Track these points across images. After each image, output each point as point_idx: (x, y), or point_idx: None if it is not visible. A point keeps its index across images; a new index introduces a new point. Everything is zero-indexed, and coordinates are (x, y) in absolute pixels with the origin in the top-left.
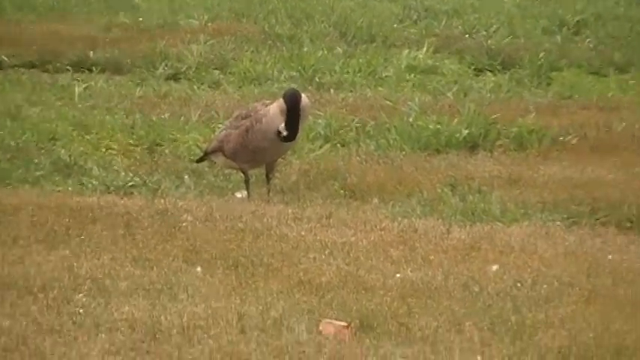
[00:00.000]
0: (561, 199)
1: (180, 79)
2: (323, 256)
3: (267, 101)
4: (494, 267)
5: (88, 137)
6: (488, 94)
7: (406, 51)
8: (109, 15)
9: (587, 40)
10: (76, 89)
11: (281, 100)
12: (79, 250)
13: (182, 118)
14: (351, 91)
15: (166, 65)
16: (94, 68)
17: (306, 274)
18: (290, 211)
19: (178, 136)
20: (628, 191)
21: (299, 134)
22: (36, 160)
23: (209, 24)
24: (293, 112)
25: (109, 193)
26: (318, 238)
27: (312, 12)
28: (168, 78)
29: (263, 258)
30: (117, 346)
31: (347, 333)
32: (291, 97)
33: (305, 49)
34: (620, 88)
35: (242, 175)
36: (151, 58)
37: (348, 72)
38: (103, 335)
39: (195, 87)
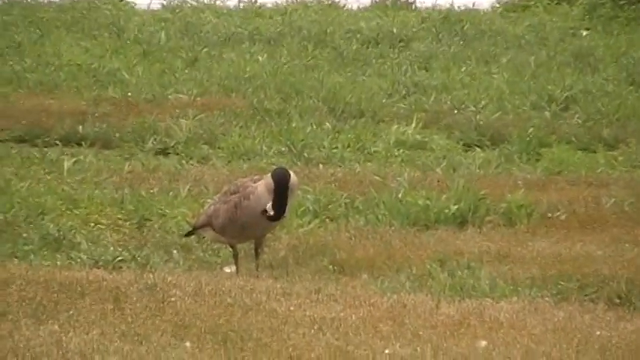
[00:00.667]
0: (550, 274)
1: (169, 153)
2: (312, 332)
3: (256, 177)
4: (484, 343)
5: (76, 212)
6: (477, 170)
7: (395, 126)
8: (97, 89)
9: (576, 116)
10: (65, 164)
11: (269, 178)
12: (67, 324)
13: (171, 193)
14: (340, 166)
15: (155, 140)
16: (83, 143)
17: (295, 349)
18: (279, 286)
19: (167, 211)
20: (617, 267)
21: (287, 212)
22: (25, 235)
23: (198, 99)
24: (281, 192)
25: (97, 267)
26: (307, 313)
27: (301, 87)
28: (157, 153)
29: (252, 333)
30: None
31: None
32: (279, 177)
33: (294, 124)
34: (608, 164)
35: (231, 249)
36: (139, 133)
37: (336, 147)
38: None
39: (184, 162)
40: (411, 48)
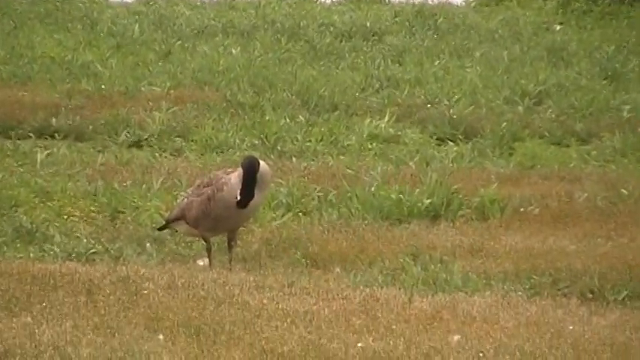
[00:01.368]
0: (523, 269)
1: (142, 146)
2: (285, 325)
3: (229, 169)
4: (456, 337)
5: (50, 204)
6: (451, 164)
7: (368, 120)
8: (71, 82)
9: (549, 110)
10: (38, 156)
11: (240, 169)
12: (40, 317)
13: (144, 185)
14: (313, 160)
15: (128, 132)
16: (56, 135)
17: (268, 342)
18: (252, 279)
19: (140, 203)
20: (589, 262)
21: (257, 202)
22: None
23: (171, 91)
24: (249, 178)
25: (70, 260)
26: (280, 306)
27: (275, 80)
28: (130, 145)
29: (225, 326)
30: None
31: None
32: (247, 164)
33: (267, 117)
34: (581, 158)
35: (204, 242)
36: (113, 125)
37: (310, 140)
38: None
39: (157, 154)
40: (384, 42)
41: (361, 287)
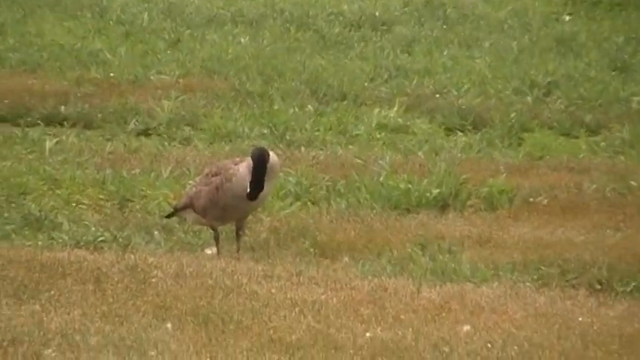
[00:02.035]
0: (531, 259)
1: (151, 134)
2: (293, 314)
3: (238, 159)
4: (465, 327)
5: (58, 192)
6: (459, 154)
7: (377, 110)
8: (80, 70)
9: (558, 101)
10: (47, 144)
11: (249, 159)
12: (49, 304)
13: (153, 173)
14: (322, 149)
15: (137, 121)
16: (65, 123)
17: (276, 332)
18: (260, 268)
19: (149, 192)
20: (598, 253)
21: (266, 192)
22: (6, 215)
23: (180, 80)
24: (258, 170)
25: (79, 248)
26: (289, 296)
27: (284, 69)
28: (139, 133)
29: (233, 315)
30: None
31: None
32: (257, 156)
33: (276, 106)
34: (590, 149)
35: (212, 231)
36: (121, 114)
37: (318, 130)
38: None
39: (165, 143)
40: (393, 31)
41: (369, 277)
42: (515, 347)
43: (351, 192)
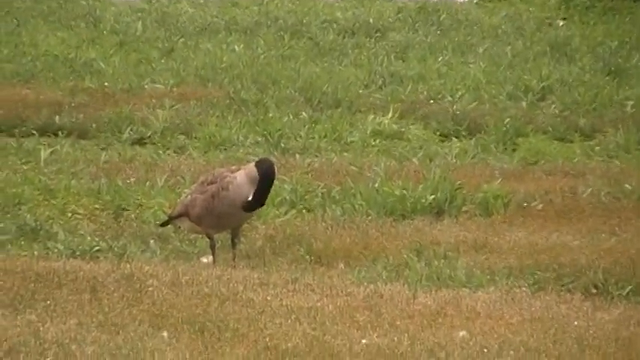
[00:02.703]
0: (527, 264)
1: (145, 143)
2: (289, 322)
3: (233, 167)
4: (461, 333)
5: (53, 202)
6: (454, 160)
7: (371, 116)
8: (74, 80)
9: (553, 106)
10: (42, 154)
11: (252, 169)
12: (45, 314)
13: (148, 182)
14: (317, 157)
15: (132, 130)
16: (59, 133)
17: (272, 339)
18: (256, 276)
19: (144, 200)
20: (594, 257)
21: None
22: (1, 225)
23: (174, 89)
24: (265, 184)
25: (74, 257)
26: (284, 303)
27: (278, 77)
28: (133, 143)
29: (229, 323)
30: None
31: None
32: (267, 169)
33: (270, 114)
34: (585, 153)
35: (207, 239)
36: (116, 123)
37: (313, 137)
38: None
39: (160, 152)
40: (387, 38)
41: (365, 283)
42: (512, 352)
43: (346, 199)
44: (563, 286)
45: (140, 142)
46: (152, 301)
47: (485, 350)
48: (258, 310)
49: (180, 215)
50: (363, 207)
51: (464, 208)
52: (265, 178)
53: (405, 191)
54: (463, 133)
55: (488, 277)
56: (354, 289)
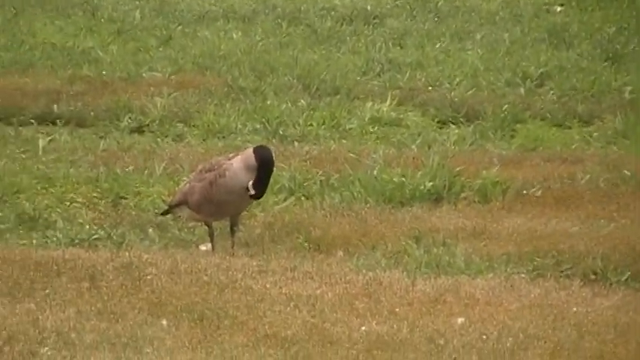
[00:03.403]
0: (526, 251)
1: (144, 132)
2: (288, 309)
3: (231, 154)
4: (460, 319)
5: (52, 190)
6: (452, 147)
7: (370, 103)
8: (72, 68)
9: (551, 92)
10: (40, 142)
11: (249, 155)
12: (44, 303)
13: (146, 171)
14: (315, 144)
15: (130, 118)
16: (57, 121)
17: (272, 327)
18: (255, 263)
19: (142, 189)
20: (592, 243)
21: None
22: (0, 214)
23: (172, 77)
24: (265, 172)
25: (73, 246)
26: (283, 291)
27: (276, 65)
28: (132, 131)
29: (228, 311)
30: None
31: None
32: (265, 156)
33: (269, 101)
34: (583, 140)
35: (206, 227)
36: (114, 111)
37: (311, 124)
38: None
39: (159, 140)
40: (385, 25)
41: (364, 271)
42: (510, 338)
43: (344, 186)
44: (562, 272)
45: (138, 130)
46: (151, 290)
47: (485, 337)
48: (257, 297)
49: (179, 204)
50: (362, 194)
51: (462, 195)
52: (264, 167)
53: (403, 178)
54: (461, 119)
55: (487, 263)
56: (353, 276)
